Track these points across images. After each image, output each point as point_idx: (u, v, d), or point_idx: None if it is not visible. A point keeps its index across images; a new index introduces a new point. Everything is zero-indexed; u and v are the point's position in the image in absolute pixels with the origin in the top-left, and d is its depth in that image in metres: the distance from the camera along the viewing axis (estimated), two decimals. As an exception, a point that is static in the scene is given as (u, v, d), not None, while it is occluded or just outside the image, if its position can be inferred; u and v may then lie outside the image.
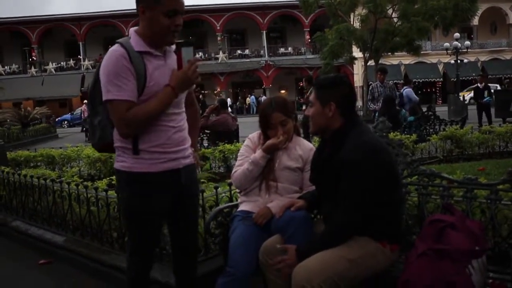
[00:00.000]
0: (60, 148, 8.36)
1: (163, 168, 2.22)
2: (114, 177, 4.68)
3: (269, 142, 2.69)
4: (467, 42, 30.12)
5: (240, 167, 2.76)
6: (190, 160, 2.37)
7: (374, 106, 10.06)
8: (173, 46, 2.25)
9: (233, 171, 2.83)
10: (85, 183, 4.12)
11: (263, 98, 36.00)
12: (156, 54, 2.18)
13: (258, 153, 2.71)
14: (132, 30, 2.21)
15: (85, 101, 24.94)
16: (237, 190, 2.97)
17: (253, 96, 39.50)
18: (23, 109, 24.28)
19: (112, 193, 3.63)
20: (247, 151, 2.81)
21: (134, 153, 2.17)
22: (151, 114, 2.13)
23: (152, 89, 2.14)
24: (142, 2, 2.12)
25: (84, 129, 20.32)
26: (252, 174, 2.71)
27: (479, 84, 14.76)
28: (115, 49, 2.13)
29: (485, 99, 14.00)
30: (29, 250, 4.48)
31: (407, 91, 11.81)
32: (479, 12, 24.41)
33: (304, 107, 10.15)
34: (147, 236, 2.33)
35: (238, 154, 2.88)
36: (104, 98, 2.12)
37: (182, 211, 2.40)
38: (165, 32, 2.12)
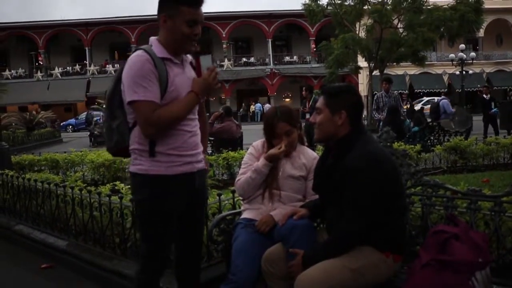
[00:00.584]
0: (64, 152, 8.40)
1: (179, 171, 2.27)
2: (117, 182, 4.73)
3: (271, 151, 2.70)
4: (473, 53, 30.14)
5: (244, 175, 2.77)
6: (203, 165, 2.43)
7: (379, 116, 10.06)
8: (189, 56, 2.36)
9: (236, 179, 2.83)
10: (88, 188, 4.13)
11: (267, 106, 36.09)
12: (176, 62, 2.27)
13: (261, 161, 2.71)
14: (153, 38, 2.30)
15: (92, 106, 25.05)
16: (240, 198, 2.97)
17: (258, 104, 39.50)
18: (28, 113, 24.40)
19: (115, 198, 3.64)
20: (251, 159, 2.82)
21: (151, 155, 2.22)
22: (175, 117, 2.21)
23: (172, 94, 2.22)
24: (164, 11, 2.21)
25: (90, 133, 20.39)
26: (255, 182, 2.71)
27: (485, 96, 14.73)
28: (140, 54, 2.20)
29: (493, 111, 13.93)
30: (32, 254, 4.48)
31: (444, 102, 11.68)
32: (485, 24, 24.43)
33: (308, 116, 10.15)
34: (163, 239, 2.33)
35: (242, 162, 2.89)
36: (129, 99, 2.17)
37: (192, 215, 2.43)
38: (185, 40, 2.22)
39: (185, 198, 2.33)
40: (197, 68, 2.31)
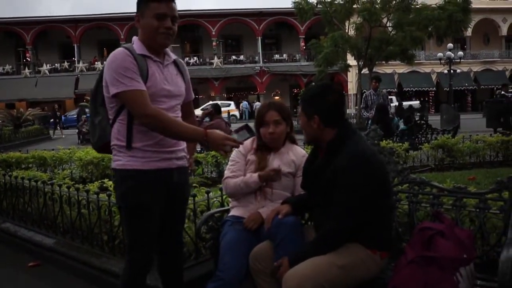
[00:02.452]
0: (52, 150, 8.32)
1: (156, 166, 2.29)
2: (105, 180, 4.71)
3: (265, 172, 2.65)
4: (460, 53, 30.35)
5: (232, 173, 2.76)
6: (184, 162, 2.43)
7: (368, 114, 10.12)
8: (172, 57, 2.40)
9: (224, 176, 2.82)
10: (76, 185, 4.11)
11: (257, 103, 35.99)
12: (156, 60, 2.31)
13: (254, 177, 2.68)
14: (135, 37, 2.35)
15: (81, 103, 24.91)
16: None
17: (245, 102, 39.18)
18: (15, 110, 24.16)
19: (103, 196, 3.63)
20: (239, 156, 2.82)
21: (127, 149, 2.25)
22: (169, 130, 2.21)
23: (149, 90, 2.22)
24: (137, 11, 2.29)
25: (78, 131, 20.26)
26: (243, 191, 2.72)
27: (504, 93, 15.01)
28: (120, 49, 2.26)
29: None
30: (19, 252, 4.44)
31: None
32: (472, 24, 24.64)
33: None
34: (144, 233, 2.33)
35: (230, 158, 2.88)
36: (115, 91, 2.19)
37: (172, 212, 2.43)
38: (154, 33, 2.25)
39: (163, 193, 2.34)
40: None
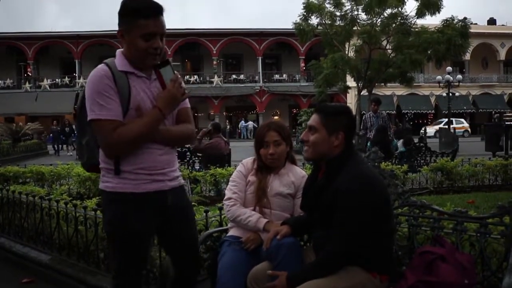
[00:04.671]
0: (50, 165, 8.29)
1: (148, 189, 2.16)
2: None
3: (270, 235, 2.49)
4: (459, 76, 30.59)
5: (233, 194, 2.73)
6: (178, 182, 2.31)
7: (363, 132, 10.15)
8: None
9: (226, 197, 2.78)
10: (74, 201, 4.08)
11: (249, 123, 36.32)
12: (140, 75, 2.16)
13: (259, 223, 2.61)
14: (118, 51, 2.20)
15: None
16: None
17: (242, 121, 39.36)
18: (15, 124, 24.13)
19: (101, 213, 3.60)
20: (239, 176, 2.80)
21: (116, 174, 2.13)
22: (137, 135, 2.07)
23: (134, 112, 2.11)
24: (121, 26, 2.11)
25: (74, 147, 20.12)
26: (243, 226, 2.67)
27: None
28: (99, 68, 2.12)
29: None
30: (13, 268, 4.39)
31: None
32: (471, 48, 24.86)
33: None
34: (132, 257, 2.23)
35: (230, 178, 2.86)
36: (88, 118, 2.08)
37: (172, 233, 2.34)
38: (142, 55, 2.10)
39: (155, 216, 2.21)
40: (160, 82, 2.16)
